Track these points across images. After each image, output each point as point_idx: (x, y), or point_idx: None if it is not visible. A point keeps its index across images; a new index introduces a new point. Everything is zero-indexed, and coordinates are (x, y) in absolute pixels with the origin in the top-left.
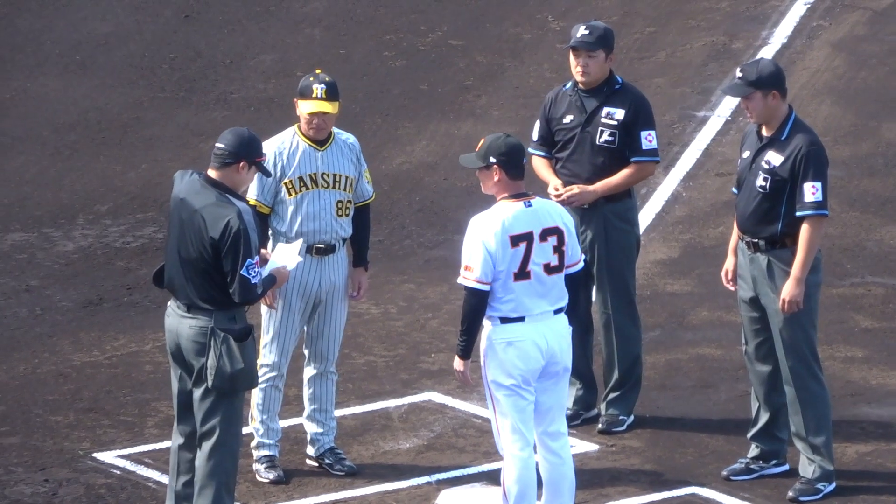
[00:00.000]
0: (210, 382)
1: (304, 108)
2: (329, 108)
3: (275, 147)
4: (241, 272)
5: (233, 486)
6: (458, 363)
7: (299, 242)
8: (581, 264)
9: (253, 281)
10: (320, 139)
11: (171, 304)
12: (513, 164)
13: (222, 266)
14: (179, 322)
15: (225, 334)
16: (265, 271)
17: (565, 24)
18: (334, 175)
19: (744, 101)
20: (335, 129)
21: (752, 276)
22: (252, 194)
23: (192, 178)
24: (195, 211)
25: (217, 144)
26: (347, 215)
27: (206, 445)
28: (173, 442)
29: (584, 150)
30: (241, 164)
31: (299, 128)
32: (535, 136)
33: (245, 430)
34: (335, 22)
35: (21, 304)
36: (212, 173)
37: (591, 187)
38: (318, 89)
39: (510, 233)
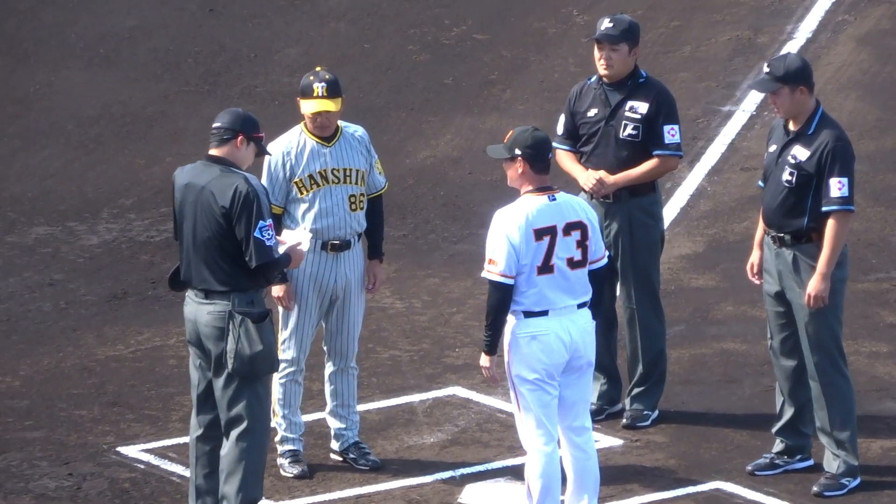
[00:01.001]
0: (230, 366)
1: (306, 107)
2: (331, 106)
3: (282, 147)
4: (255, 234)
5: (261, 473)
6: (484, 359)
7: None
8: (605, 260)
9: (268, 243)
10: (326, 136)
11: (190, 294)
12: (538, 157)
13: (236, 236)
14: (198, 309)
15: (243, 317)
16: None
17: (590, 18)
18: (344, 170)
19: (771, 97)
20: (342, 123)
21: (778, 270)
22: None
23: (194, 164)
24: (202, 188)
25: (214, 124)
26: (361, 209)
27: (234, 433)
28: (192, 434)
29: (608, 144)
30: (240, 138)
31: (305, 125)
32: (559, 129)
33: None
34: (360, 16)
35: (45, 299)
36: (213, 152)
37: (611, 178)
38: (318, 88)
39: (534, 226)
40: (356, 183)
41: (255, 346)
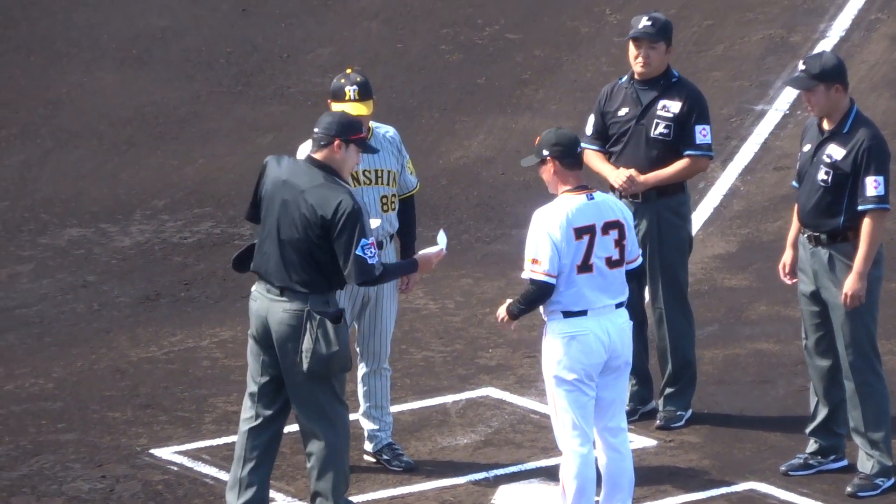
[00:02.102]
0: (306, 366)
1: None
2: (364, 109)
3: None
4: (357, 252)
5: (347, 466)
6: (502, 312)
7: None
8: (639, 261)
9: (370, 261)
10: None
11: (259, 288)
12: (566, 153)
13: (328, 247)
14: (270, 305)
15: (321, 317)
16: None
17: (622, 17)
18: (376, 171)
19: (806, 95)
20: (373, 123)
21: (814, 269)
22: None
23: (295, 161)
24: (302, 191)
25: (314, 129)
26: (393, 209)
27: (319, 431)
28: (245, 425)
29: (638, 143)
30: (336, 142)
31: None
32: (588, 129)
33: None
34: (392, 15)
35: (78, 300)
36: (315, 156)
37: (641, 177)
38: (350, 91)
39: (574, 225)
40: (388, 184)
41: (332, 346)
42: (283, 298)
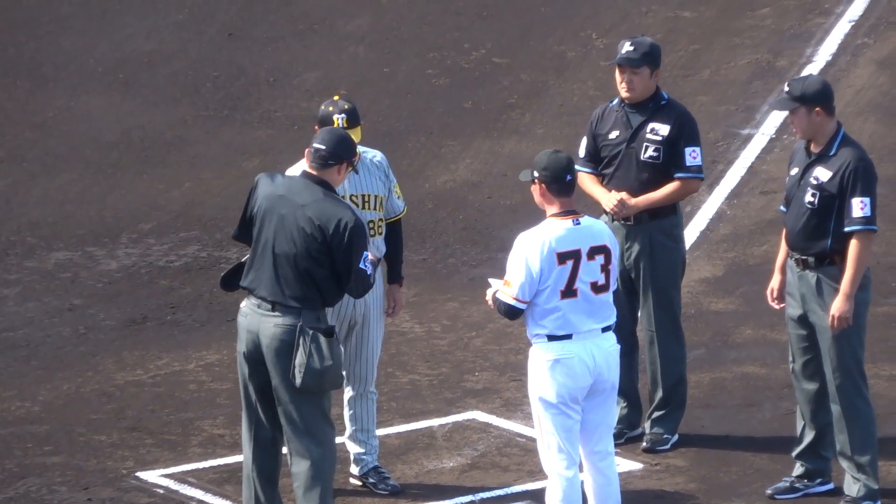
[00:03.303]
0: (299, 381)
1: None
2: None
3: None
4: (360, 266)
5: (331, 485)
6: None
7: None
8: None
9: (368, 272)
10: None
11: (249, 305)
12: (553, 178)
13: (327, 262)
14: (262, 320)
15: (314, 332)
16: None
17: (609, 41)
18: (363, 196)
19: (790, 116)
20: (361, 148)
21: (801, 293)
22: None
23: (290, 178)
24: (302, 206)
25: (316, 145)
26: (380, 234)
27: (306, 448)
28: (245, 446)
29: (629, 166)
30: (344, 164)
31: None
32: (581, 152)
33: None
34: (379, 40)
35: (65, 324)
36: (314, 172)
37: (632, 200)
38: (338, 119)
39: (557, 250)
40: (374, 209)
41: (326, 360)
42: (276, 313)
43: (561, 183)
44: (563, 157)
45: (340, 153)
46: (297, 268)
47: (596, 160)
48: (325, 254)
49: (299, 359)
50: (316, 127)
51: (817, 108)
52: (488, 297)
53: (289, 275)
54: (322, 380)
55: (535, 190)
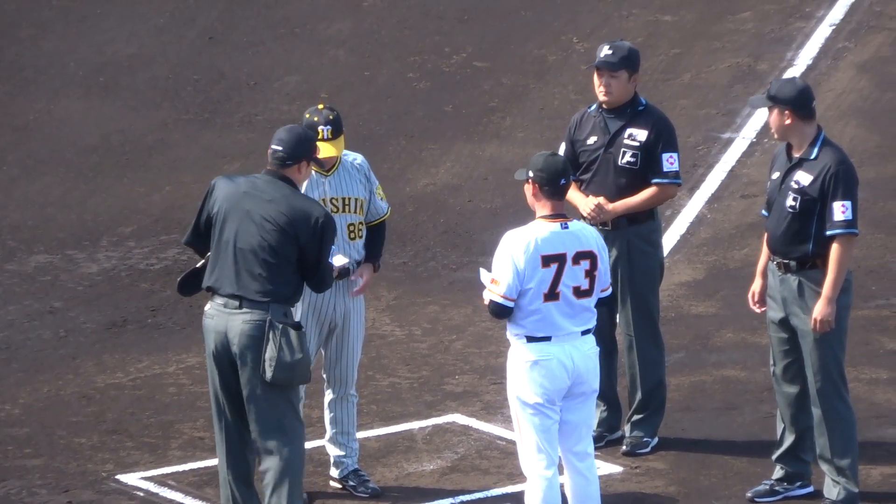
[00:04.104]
0: (269, 375)
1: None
2: (334, 150)
3: None
4: (329, 261)
5: (301, 482)
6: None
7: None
8: (609, 290)
9: (332, 268)
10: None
11: (215, 306)
12: (547, 181)
13: (294, 256)
14: (229, 319)
15: (284, 325)
16: None
17: (590, 45)
18: (343, 199)
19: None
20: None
21: (783, 297)
22: None
23: (252, 176)
24: (269, 201)
25: (274, 147)
26: (360, 237)
27: (274, 445)
28: (219, 447)
29: (607, 172)
30: (303, 163)
31: None
32: None
33: None
34: (359, 44)
35: (45, 326)
36: (278, 171)
37: (610, 206)
38: (323, 131)
39: (542, 252)
40: (354, 211)
41: (296, 354)
42: (243, 310)
43: (554, 186)
44: (559, 161)
45: (299, 153)
46: (263, 262)
47: (574, 166)
48: (294, 248)
49: (269, 353)
50: None
51: (787, 111)
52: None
53: (254, 269)
54: (292, 373)
55: (528, 190)
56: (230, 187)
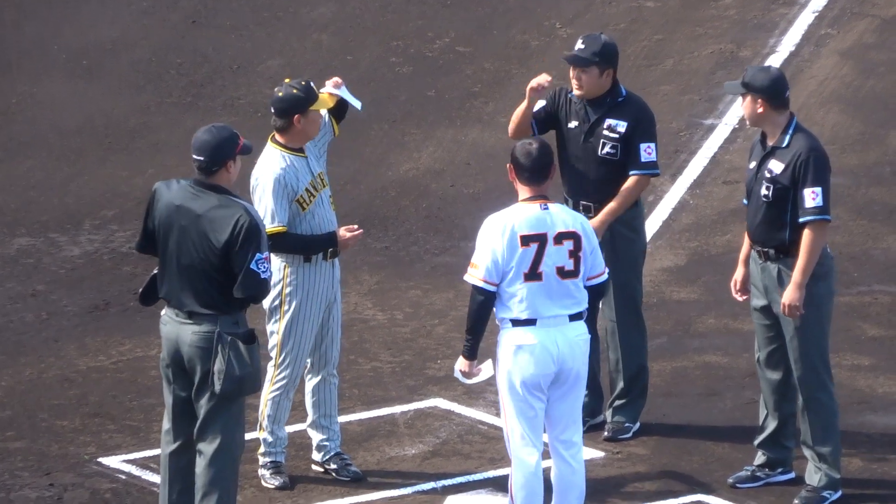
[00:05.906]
0: (218, 387)
1: (323, 106)
2: (330, 101)
3: (276, 171)
4: (251, 266)
5: (235, 493)
6: (462, 363)
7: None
8: (604, 276)
9: (263, 276)
10: (298, 147)
11: (168, 313)
12: (524, 168)
13: (229, 268)
14: (180, 329)
15: (233, 338)
16: None
17: (573, 31)
18: (319, 174)
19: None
20: None
21: (764, 284)
22: (271, 223)
23: (182, 185)
24: (198, 216)
25: (195, 157)
26: (334, 208)
27: (209, 451)
28: (164, 450)
29: (587, 161)
30: (228, 164)
31: (278, 143)
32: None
33: (250, 437)
34: (342, 28)
35: (27, 309)
36: (205, 179)
37: (596, 220)
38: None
39: (521, 233)
40: (327, 185)
41: (245, 367)
42: (192, 321)
43: (531, 171)
44: (534, 148)
45: (220, 157)
46: (205, 277)
47: (541, 123)
48: (227, 259)
49: (218, 365)
50: (297, 116)
51: (760, 99)
52: (458, 367)
53: (198, 285)
54: (241, 385)
55: (511, 173)
56: (167, 197)
